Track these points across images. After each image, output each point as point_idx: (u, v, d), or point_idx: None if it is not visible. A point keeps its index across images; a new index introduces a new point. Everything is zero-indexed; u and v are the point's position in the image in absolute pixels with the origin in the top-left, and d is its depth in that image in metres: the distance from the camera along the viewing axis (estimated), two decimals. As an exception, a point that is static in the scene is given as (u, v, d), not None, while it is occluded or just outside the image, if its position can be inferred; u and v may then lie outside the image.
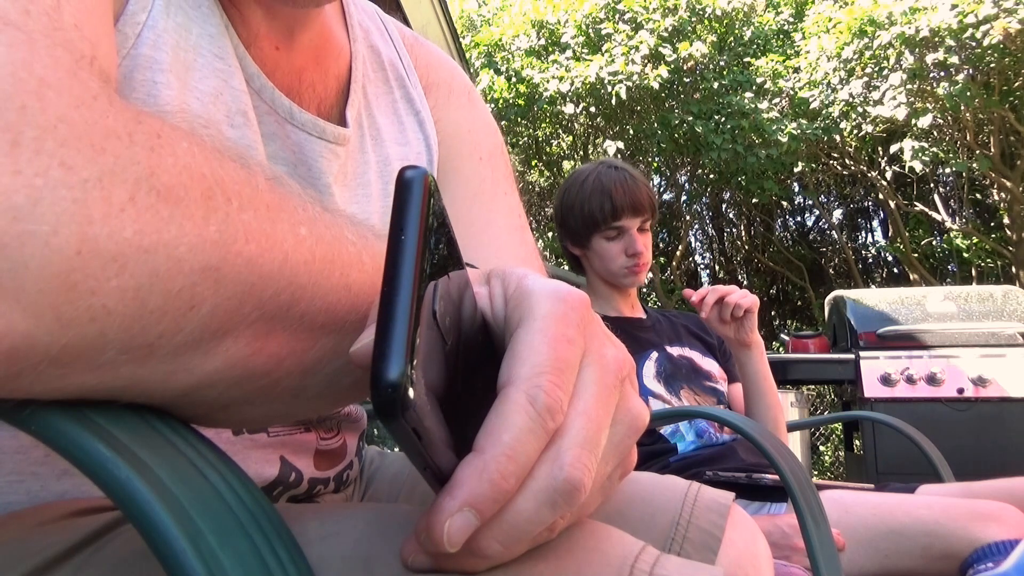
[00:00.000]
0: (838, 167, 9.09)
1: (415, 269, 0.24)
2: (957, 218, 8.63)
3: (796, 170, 8.47)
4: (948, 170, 7.67)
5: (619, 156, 8.19)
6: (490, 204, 0.65)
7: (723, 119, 7.52)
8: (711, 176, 8.70)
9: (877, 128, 7.24)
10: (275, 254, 0.27)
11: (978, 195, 8.85)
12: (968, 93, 6.20)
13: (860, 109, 6.97)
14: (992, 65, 6.25)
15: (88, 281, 0.22)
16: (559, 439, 0.27)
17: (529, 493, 0.26)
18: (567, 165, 9.44)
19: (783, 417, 1.59)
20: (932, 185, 8.80)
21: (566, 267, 1.84)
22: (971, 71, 6.33)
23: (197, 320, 0.26)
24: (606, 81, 7.17)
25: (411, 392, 0.23)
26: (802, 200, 10.68)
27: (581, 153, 9.26)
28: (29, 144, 0.22)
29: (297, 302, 0.29)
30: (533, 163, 9.65)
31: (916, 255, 8.59)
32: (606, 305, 1.71)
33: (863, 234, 11.30)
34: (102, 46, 0.30)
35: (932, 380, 3.33)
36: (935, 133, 7.10)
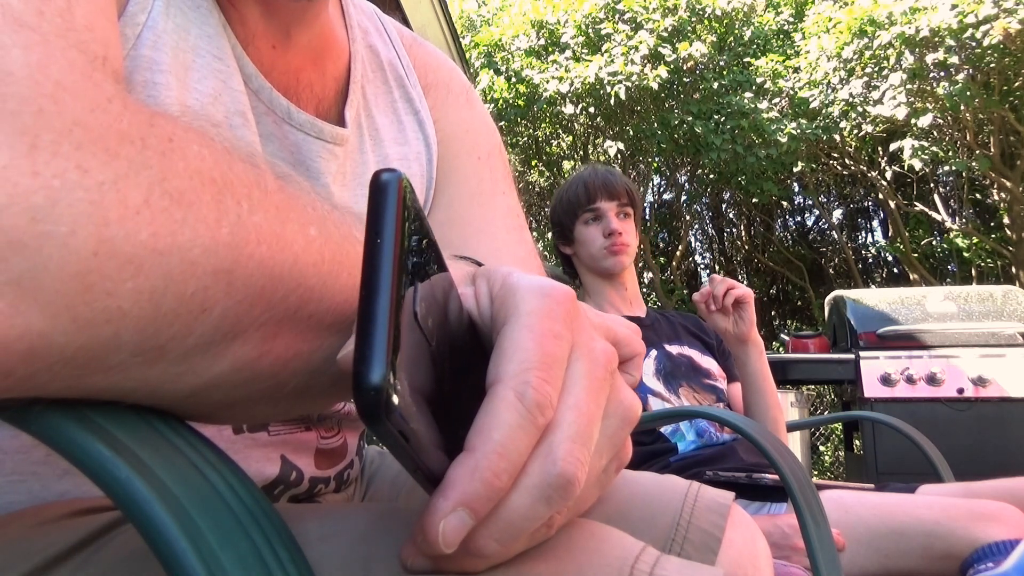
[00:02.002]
0: (838, 167, 9.09)
1: (392, 272, 0.24)
2: (957, 218, 8.63)
3: (796, 170, 8.47)
4: (948, 168, 7.66)
5: (619, 156, 8.20)
6: (489, 204, 0.65)
7: (723, 119, 7.52)
8: (711, 176, 8.69)
9: (877, 128, 7.23)
10: (285, 256, 0.27)
11: (978, 195, 8.85)
12: (968, 93, 6.20)
13: (860, 109, 6.97)
14: (992, 65, 6.25)
15: (104, 282, 0.22)
16: (550, 434, 0.27)
17: (523, 489, 0.26)
18: (567, 165, 9.44)
19: (783, 417, 1.59)
20: (932, 185, 8.80)
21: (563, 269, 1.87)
22: (971, 71, 6.33)
23: (208, 323, 0.26)
24: (605, 81, 7.16)
25: (395, 395, 0.23)
26: (802, 200, 10.68)
27: (581, 153, 9.26)
28: (46, 147, 0.22)
29: (306, 304, 0.29)
30: (533, 163, 9.64)
31: (916, 255, 8.59)
32: (603, 303, 1.71)
33: (863, 234, 11.31)
34: (112, 46, 0.31)
35: (932, 380, 3.33)
36: (935, 133, 7.10)
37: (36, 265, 0.21)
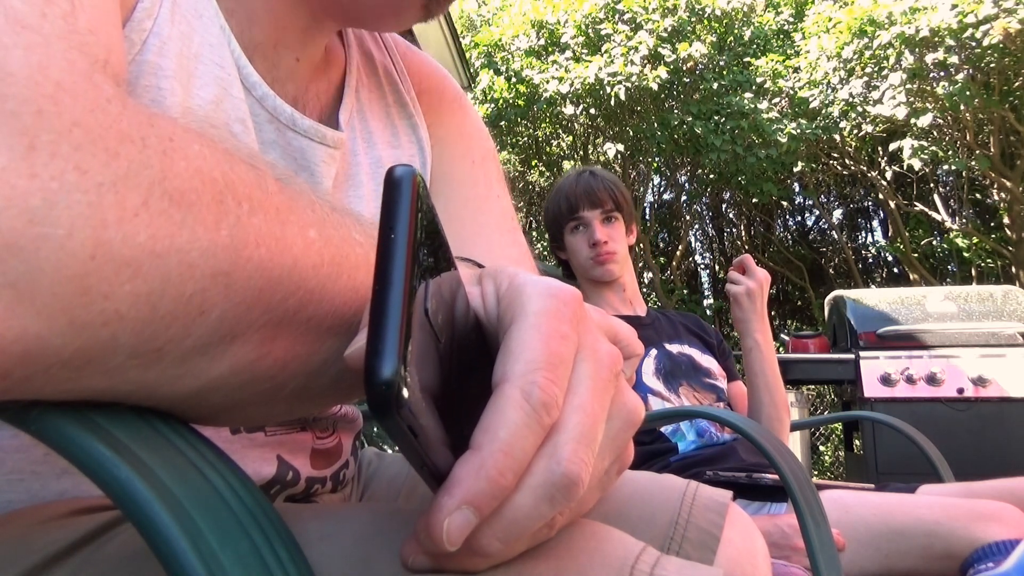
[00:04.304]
0: (838, 167, 9.09)
1: (406, 267, 0.24)
2: (957, 218, 8.62)
3: (796, 170, 8.46)
4: (948, 167, 7.65)
5: (619, 157, 8.19)
6: (483, 207, 0.66)
7: (723, 119, 7.51)
8: (711, 176, 8.69)
9: (877, 128, 7.23)
10: (285, 258, 0.27)
11: (978, 195, 8.84)
12: (968, 93, 6.19)
13: (860, 109, 6.97)
14: (992, 65, 6.24)
15: (102, 285, 0.22)
16: (555, 434, 0.27)
17: (527, 489, 0.26)
18: (567, 165, 9.43)
19: (786, 416, 1.59)
20: (932, 185, 8.79)
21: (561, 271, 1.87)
22: (971, 71, 6.32)
23: (206, 325, 0.26)
24: (605, 82, 7.16)
25: (405, 389, 0.23)
26: (802, 200, 10.67)
27: (581, 153, 9.25)
28: (45, 148, 0.22)
29: (305, 306, 0.29)
30: (533, 163, 9.63)
31: (916, 255, 8.58)
32: (601, 305, 1.71)
33: (863, 234, 11.30)
34: (115, 51, 0.31)
35: (932, 380, 3.33)
36: (935, 133, 7.09)
37: (33, 268, 0.21)
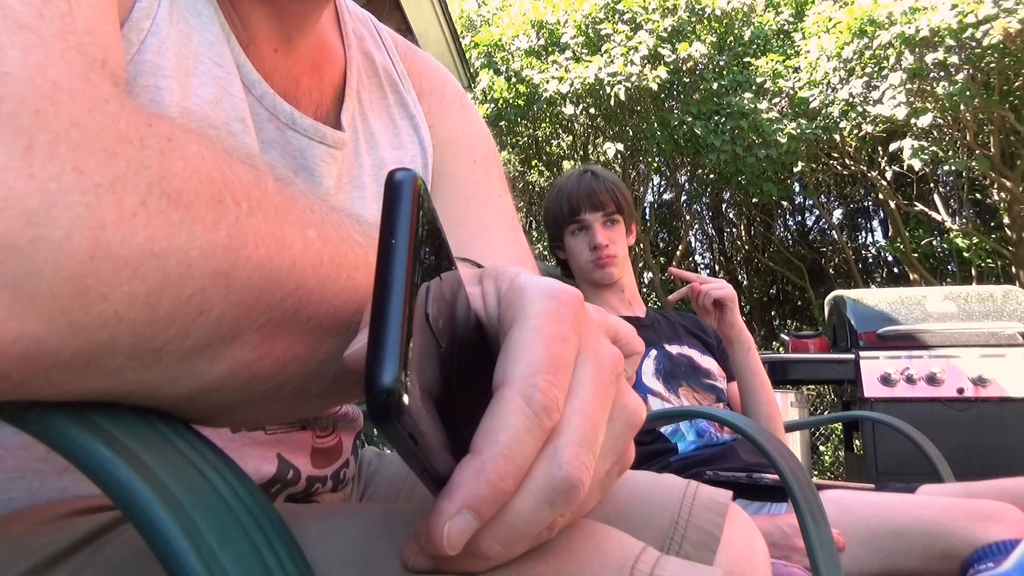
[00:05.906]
0: (838, 167, 9.09)
1: (407, 272, 0.24)
2: (957, 218, 8.62)
3: (796, 170, 8.46)
4: (948, 168, 7.66)
5: (619, 157, 8.19)
6: (484, 206, 0.66)
7: (723, 120, 7.51)
8: (711, 176, 8.69)
9: (877, 128, 7.23)
10: (284, 258, 0.27)
11: (978, 195, 8.84)
12: (968, 93, 6.19)
13: (860, 109, 6.97)
14: (992, 65, 6.24)
15: (100, 286, 0.22)
16: (556, 437, 0.27)
17: (527, 493, 0.26)
18: (567, 165, 9.43)
19: (778, 413, 1.59)
20: (932, 185, 8.79)
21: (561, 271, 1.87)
22: (971, 71, 6.32)
23: (206, 325, 0.26)
24: (605, 82, 7.16)
25: (406, 397, 0.23)
26: (802, 200, 10.67)
27: (581, 153, 9.25)
28: (43, 148, 0.21)
29: (304, 306, 0.29)
30: (533, 163, 9.64)
31: (916, 255, 8.58)
32: (600, 305, 1.71)
33: (863, 234, 11.30)
34: (113, 50, 0.31)
35: (932, 380, 3.33)
36: (935, 133, 7.09)
37: (31, 269, 0.21)
